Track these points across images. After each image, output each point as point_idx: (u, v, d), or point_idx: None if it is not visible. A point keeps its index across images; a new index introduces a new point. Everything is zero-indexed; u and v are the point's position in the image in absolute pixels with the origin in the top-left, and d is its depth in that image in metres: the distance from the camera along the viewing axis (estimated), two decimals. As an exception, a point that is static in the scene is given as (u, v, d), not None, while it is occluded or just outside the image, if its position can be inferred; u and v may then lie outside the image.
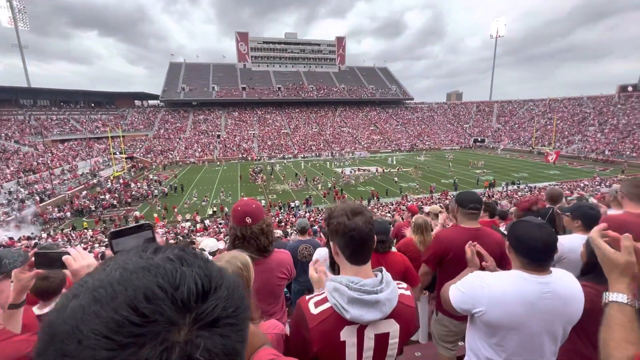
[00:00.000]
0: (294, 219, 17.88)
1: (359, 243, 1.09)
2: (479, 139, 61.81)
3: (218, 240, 7.07)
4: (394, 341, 1.13)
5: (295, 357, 1.18)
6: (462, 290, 1.39)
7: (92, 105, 59.79)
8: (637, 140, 42.44)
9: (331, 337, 1.06)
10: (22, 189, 26.39)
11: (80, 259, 1.13)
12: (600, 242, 0.99)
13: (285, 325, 1.61)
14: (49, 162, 33.22)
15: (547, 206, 3.02)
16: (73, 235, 18.44)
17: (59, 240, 17.03)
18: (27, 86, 57.30)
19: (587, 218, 2.14)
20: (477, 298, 1.32)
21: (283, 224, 16.12)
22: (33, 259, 1.13)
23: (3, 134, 38.48)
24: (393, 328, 1.11)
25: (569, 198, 5.75)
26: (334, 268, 2.63)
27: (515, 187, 27.35)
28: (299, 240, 4.03)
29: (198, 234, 15.83)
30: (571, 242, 1.97)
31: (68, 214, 23.32)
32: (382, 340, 1.11)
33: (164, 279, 0.33)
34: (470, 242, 1.77)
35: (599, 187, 19.61)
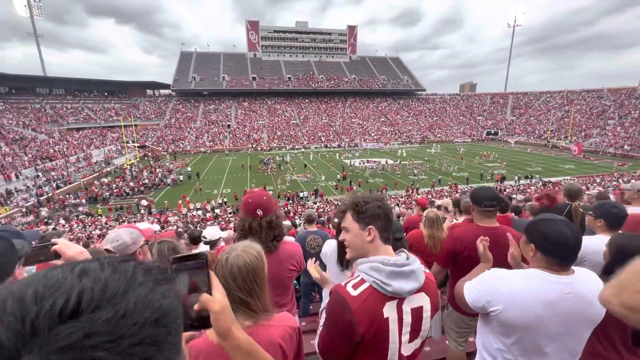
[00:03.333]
0: (302, 210, 17.96)
1: (392, 223, 1.22)
2: (492, 132, 60.46)
3: (226, 229, 7.15)
4: (427, 314, 1.18)
5: (337, 347, 1.17)
6: (478, 288, 1.35)
7: (106, 94, 60.66)
8: (660, 135, 40.85)
9: (375, 315, 1.10)
10: (41, 174, 27.18)
11: (73, 247, 1.15)
12: None
13: (295, 317, 1.60)
14: (64, 150, 34.03)
15: (565, 202, 2.92)
16: (87, 221, 18.97)
17: (75, 226, 17.54)
18: (43, 75, 58.43)
19: (611, 217, 2.06)
20: (493, 296, 1.28)
21: (292, 214, 16.22)
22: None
23: (21, 122, 39.48)
24: (425, 301, 1.18)
25: (586, 193, 5.58)
26: (342, 262, 2.63)
27: (527, 181, 26.79)
28: (307, 231, 4.00)
29: (208, 222, 16.07)
30: (594, 244, 1.89)
31: (83, 200, 23.95)
32: (417, 313, 1.16)
33: (33, 289, 0.29)
34: (482, 237, 1.71)
35: (615, 182, 19.02)
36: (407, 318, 1.13)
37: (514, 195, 13.61)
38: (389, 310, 1.11)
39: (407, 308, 1.13)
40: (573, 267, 1.27)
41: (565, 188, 3.06)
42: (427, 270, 1.26)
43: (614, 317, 1.30)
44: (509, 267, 1.80)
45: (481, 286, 1.34)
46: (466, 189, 23.81)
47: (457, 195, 19.10)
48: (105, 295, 0.30)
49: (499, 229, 2.13)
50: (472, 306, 1.36)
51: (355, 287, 1.13)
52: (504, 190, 21.71)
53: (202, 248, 3.43)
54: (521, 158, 38.47)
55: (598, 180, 22.64)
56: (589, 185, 18.86)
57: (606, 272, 1.60)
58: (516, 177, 27.45)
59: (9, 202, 22.08)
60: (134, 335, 0.29)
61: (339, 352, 1.16)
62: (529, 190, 19.51)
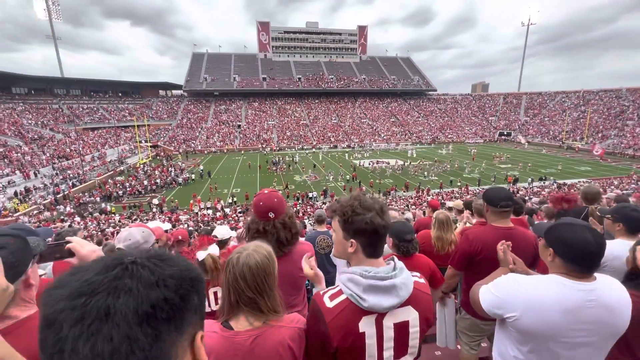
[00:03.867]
0: (311, 210, 17.97)
1: (382, 239, 1.12)
2: (505, 132, 59.37)
3: (236, 228, 7.20)
4: (414, 330, 1.11)
5: (314, 355, 1.16)
6: (494, 293, 1.31)
7: (120, 94, 61.96)
8: (682, 136, 39.36)
9: (349, 329, 1.05)
10: (58, 172, 27.94)
11: (86, 245, 1.17)
12: None
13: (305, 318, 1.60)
14: (80, 149, 34.90)
15: (582, 205, 2.84)
16: (102, 219, 19.39)
17: (89, 224, 17.94)
18: (61, 76, 60.02)
19: (630, 220, 1.98)
20: (510, 302, 1.24)
21: (301, 214, 16.25)
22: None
23: (40, 122, 40.68)
24: (412, 316, 1.11)
25: (604, 196, 5.40)
26: None
27: (542, 183, 26.19)
28: (317, 231, 3.99)
29: (218, 222, 16.23)
30: (615, 248, 1.82)
31: (98, 198, 24.51)
32: (402, 329, 1.09)
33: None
34: (503, 241, 1.68)
35: (634, 185, 18.41)
36: (389, 333, 1.08)
37: (527, 198, 13.32)
38: (366, 325, 1.06)
39: (389, 323, 1.07)
40: (595, 274, 1.22)
41: (583, 190, 2.96)
42: (422, 281, 1.19)
43: (636, 326, 1.25)
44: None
45: (498, 291, 1.30)
46: (477, 190, 23.44)
47: (468, 196, 18.81)
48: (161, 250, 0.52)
49: (514, 229, 2.08)
50: (487, 311, 1.32)
51: (332, 298, 1.09)
52: (517, 192, 21.28)
53: (212, 248, 3.46)
54: (535, 159, 37.64)
55: (616, 182, 21.96)
56: (606, 187, 18.32)
57: (629, 279, 1.55)
58: (529, 179, 26.87)
59: (27, 199, 22.78)
60: (179, 270, 0.50)
61: (319, 356, 1.15)
62: (543, 193, 19.07)
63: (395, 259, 1.15)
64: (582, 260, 1.19)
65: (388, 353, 1.09)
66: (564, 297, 1.17)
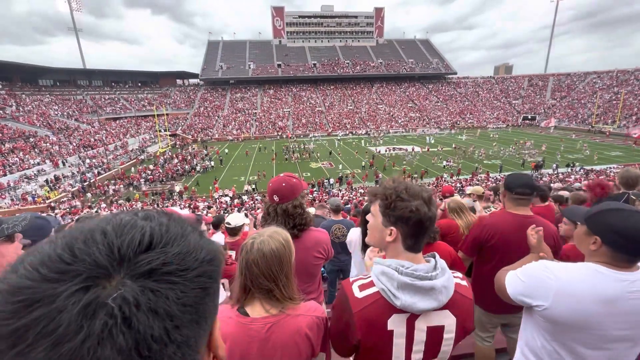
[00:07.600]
0: (327, 197, 17.99)
1: (425, 231, 1.02)
2: (529, 117, 56.77)
3: (254, 215, 7.29)
4: (449, 336, 1.02)
5: (336, 343, 1.13)
6: (522, 280, 1.23)
7: (139, 84, 63.30)
8: None
9: (376, 324, 0.99)
10: (83, 162, 29.15)
11: None
12: None
13: (322, 305, 1.58)
14: (103, 138, 36.12)
15: (621, 191, 2.64)
16: (126, 206, 20.18)
17: (114, 210, 18.70)
18: (83, 67, 61.77)
19: (672, 207, 1.82)
20: (540, 290, 1.16)
21: (317, 202, 16.29)
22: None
23: (65, 113, 42.27)
24: (448, 321, 1.01)
25: None
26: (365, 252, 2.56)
27: (568, 169, 25.02)
28: (333, 220, 3.97)
29: (235, 209, 16.52)
30: None
31: (121, 186, 25.46)
32: (435, 333, 1.01)
33: (111, 226, 0.34)
34: (534, 226, 1.60)
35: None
36: (421, 336, 0.99)
37: (550, 185, 12.78)
38: (395, 324, 0.98)
39: (421, 325, 0.99)
40: (639, 264, 1.12)
41: (622, 175, 2.73)
42: (464, 283, 1.08)
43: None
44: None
45: (526, 277, 1.22)
46: (499, 176, 22.72)
47: (489, 183, 18.26)
48: (169, 236, 0.36)
49: (533, 218, 1.98)
50: (514, 298, 1.25)
51: (362, 288, 1.03)
52: (541, 178, 20.47)
53: (216, 237, 3.49)
54: (560, 145, 35.88)
55: (650, 168, 20.68)
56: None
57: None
58: (554, 165, 25.73)
59: (57, 187, 23.95)
60: (196, 268, 0.35)
61: (342, 344, 1.11)
62: (568, 179, 18.24)
63: (437, 256, 1.05)
64: (634, 248, 1.07)
65: (417, 356, 1.02)
66: (602, 286, 1.08)
